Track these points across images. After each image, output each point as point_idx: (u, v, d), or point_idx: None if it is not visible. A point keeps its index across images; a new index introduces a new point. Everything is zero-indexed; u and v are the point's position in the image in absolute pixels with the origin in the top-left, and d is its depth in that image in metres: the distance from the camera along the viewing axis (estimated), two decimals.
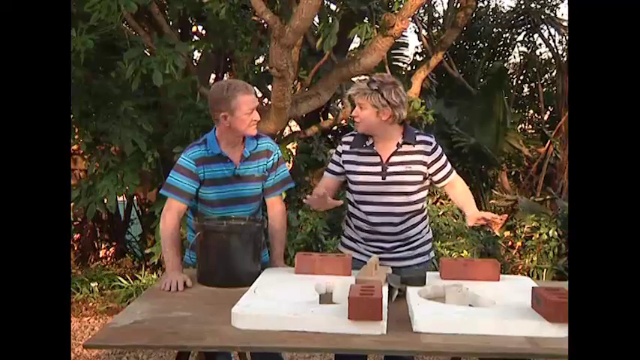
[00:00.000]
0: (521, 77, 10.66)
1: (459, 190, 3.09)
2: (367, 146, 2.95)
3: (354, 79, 6.84)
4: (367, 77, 2.95)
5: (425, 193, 3.02)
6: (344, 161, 3.01)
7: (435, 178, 3.00)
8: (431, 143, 2.96)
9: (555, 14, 9.39)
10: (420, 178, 2.95)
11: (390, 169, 2.92)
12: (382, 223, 2.95)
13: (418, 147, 2.93)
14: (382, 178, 2.92)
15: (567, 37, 8.95)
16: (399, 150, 2.92)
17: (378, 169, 2.92)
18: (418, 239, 3.04)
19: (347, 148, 3.01)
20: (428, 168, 2.96)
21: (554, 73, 10.34)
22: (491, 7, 10.38)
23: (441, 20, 10.03)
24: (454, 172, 3.08)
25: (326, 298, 2.32)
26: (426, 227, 3.10)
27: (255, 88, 5.86)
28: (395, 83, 2.89)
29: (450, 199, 6.88)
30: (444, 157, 3.02)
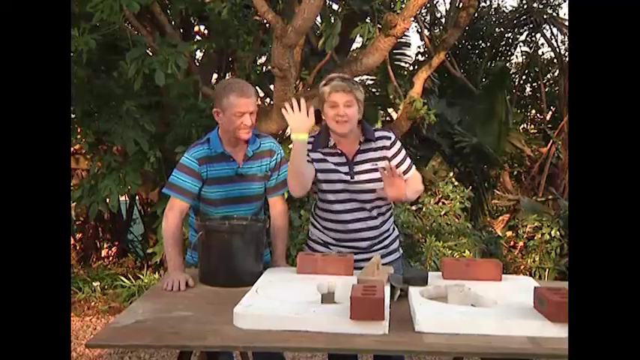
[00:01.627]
0: (524, 77, 10.66)
1: (409, 181, 2.97)
2: (331, 147, 2.91)
3: (355, 78, 6.85)
4: (334, 75, 2.88)
5: None
6: (312, 159, 2.90)
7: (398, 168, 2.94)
8: (389, 137, 2.95)
9: (557, 14, 9.39)
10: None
11: (357, 167, 2.89)
12: (355, 219, 2.92)
13: (379, 143, 2.92)
14: (351, 178, 2.89)
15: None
16: (361, 148, 2.91)
17: (346, 168, 2.89)
18: (389, 236, 3.03)
19: (310, 147, 2.90)
20: (390, 162, 2.90)
21: (556, 73, 10.35)
22: (493, 6, 10.39)
23: (443, 20, 10.02)
24: (414, 168, 3.02)
25: (328, 298, 2.32)
26: (392, 224, 3.08)
27: (257, 87, 5.88)
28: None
29: (451, 199, 6.93)
30: (404, 152, 2.98)
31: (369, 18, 6.63)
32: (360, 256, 2.87)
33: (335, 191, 2.91)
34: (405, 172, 2.95)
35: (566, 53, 9.50)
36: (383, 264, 2.86)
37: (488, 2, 10.26)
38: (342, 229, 2.95)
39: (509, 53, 10.38)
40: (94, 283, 5.78)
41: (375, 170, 2.88)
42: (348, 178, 2.89)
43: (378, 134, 2.94)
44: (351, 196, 2.90)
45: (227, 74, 7.15)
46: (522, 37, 10.18)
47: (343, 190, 2.90)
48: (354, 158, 2.90)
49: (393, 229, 3.09)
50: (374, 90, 8.58)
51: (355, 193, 2.90)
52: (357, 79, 7.30)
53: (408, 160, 3.00)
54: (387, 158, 2.91)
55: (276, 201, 3.03)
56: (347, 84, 2.79)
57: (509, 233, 7.12)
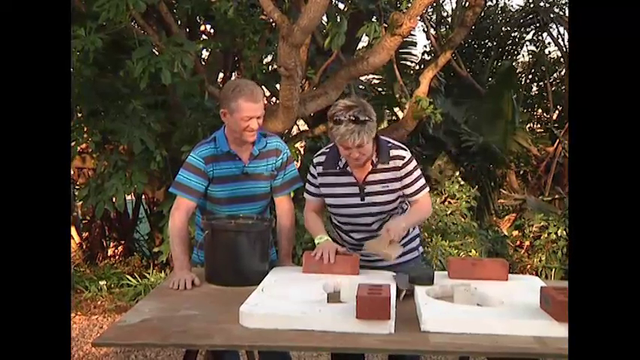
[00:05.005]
0: (530, 76, 10.64)
1: (416, 205, 2.91)
2: (341, 168, 2.85)
3: (361, 78, 6.85)
4: (340, 109, 2.66)
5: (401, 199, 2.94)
6: (320, 184, 2.91)
7: (405, 192, 2.87)
8: (403, 157, 2.83)
9: (564, 13, 9.36)
10: (397, 195, 2.86)
11: (368, 188, 2.83)
12: (365, 238, 2.88)
13: (391, 163, 2.82)
14: (361, 199, 2.85)
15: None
16: (373, 169, 2.82)
17: (356, 189, 2.85)
18: (405, 236, 2.94)
19: (320, 169, 2.90)
20: (399, 182, 2.84)
21: (562, 72, 10.32)
22: (499, 5, 10.37)
23: (449, 19, 10.02)
24: (425, 191, 2.90)
25: (334, 297, 2.32)
26: None
27: (263, 87, 5.89)
28: (361, 100, 2.77)
29: (457, 199, 6.92)
30: (417, 174, 2.86)
31: (375, 17, 6.62)
32: (374, 259, 2.86)
33: (345, 215, 2.92)
34: (413, 194, 2.87)
35: None
36: (398, 264, 2.86)
37: (494, 1, 10.24)
38: (355, 243, 2.95)
39: (516, 52, 10.36)
40: (101, 282, 5.81)
41: (386, 192, 2.84)
42: (358, 200, 2.86)
43: (393, 153, 2.82)
44: (359, 220, 2.89)
45: (233, 73, 7.15)
46: (529, 36, 10.16)
47: (354, 214, 2.89)
48: (365, 179, 2.84)
49: (413, 228, 3.02)
50: (380, 89, 8.59)
51: (366, 216, 2.88)
52: (363, 78, 7.29)
53: (420, 183, 2.88)
54: (397, 179, 2.83)
55: (282, 200, 3.03)
56: (357, 127, 2.62)
57: (515, 233, 7.10)
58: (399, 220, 2.82)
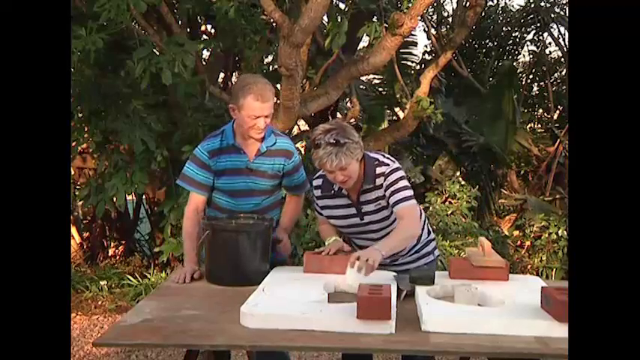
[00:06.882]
0: (531, 76, 10.64)
1: (399, 223, 2.75)
2: (335, 191, 2.85)
3: (362, 78, 6.84)
4: (319, 132, 2.65)
5: None
6: (321, 207, 2.94)
7: (389, 201, 2.77)
8: (384, 173, 2.76)
9: (565, 13, 9.36)
10: (392, 210, 2.80)
11: (364, 208, 2.82)
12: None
13: (378, 181, 2.77)
14: (360, 219, 2.84)
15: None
16: (364, 189, 2.79)
17: (353, 210, 2.84)
18: (417, 243, 2.93)
19: (319, 193, 2.91)
20: (384, 192, 2.78)
21: (563, 72, 10.33)
22: (500, 5, 10.38)
23: (450, 19, 10.02)
24: (407, 203, 2.73)
25: (334, 297, 2.32)
26: (422, 230, 2.96)
27: None
28: (341, 123, 2.76)
29: (458, 199, 6.92)
30: (400, 184, 2.75)
31: (375, 17, 6.63)
32: (388, 266, 2.80)
33: (349, 233, 2.93)
34: (394, 205, 2.74)
35: None
36: (413, 268, 2.84)
37: (495, 1, 10.24)
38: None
39: (517, 52, 10.37)
40: (101, 282, 5.80)
41: (381, 209, 2.80)
42: (358, 220, 2.84)
43: (378, 172, 2.76)
44: (364, 235, 2.87)
45: (234, 73, 7.16)
46: (529, 36, 10.17)
47: (356, 232, 2.89)
48: (359, 199, 2.82)
49: (427, 233, 3.01)
50: (380, 89, 8.59)
51: (368, 232, 2.86)
52: (363, 78, 7.28)
53: (403, 194, 2.74)
54: (384, 196, 2.77)
55: (290, 198, 3.14)
56: (335, 149, 2.60)
57: (516, 233, 7.10)
58: (375, 247, 2.60)
